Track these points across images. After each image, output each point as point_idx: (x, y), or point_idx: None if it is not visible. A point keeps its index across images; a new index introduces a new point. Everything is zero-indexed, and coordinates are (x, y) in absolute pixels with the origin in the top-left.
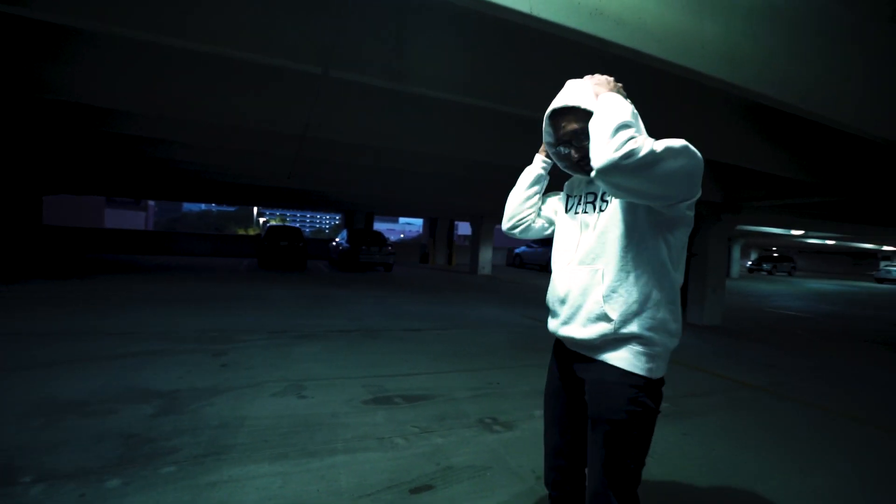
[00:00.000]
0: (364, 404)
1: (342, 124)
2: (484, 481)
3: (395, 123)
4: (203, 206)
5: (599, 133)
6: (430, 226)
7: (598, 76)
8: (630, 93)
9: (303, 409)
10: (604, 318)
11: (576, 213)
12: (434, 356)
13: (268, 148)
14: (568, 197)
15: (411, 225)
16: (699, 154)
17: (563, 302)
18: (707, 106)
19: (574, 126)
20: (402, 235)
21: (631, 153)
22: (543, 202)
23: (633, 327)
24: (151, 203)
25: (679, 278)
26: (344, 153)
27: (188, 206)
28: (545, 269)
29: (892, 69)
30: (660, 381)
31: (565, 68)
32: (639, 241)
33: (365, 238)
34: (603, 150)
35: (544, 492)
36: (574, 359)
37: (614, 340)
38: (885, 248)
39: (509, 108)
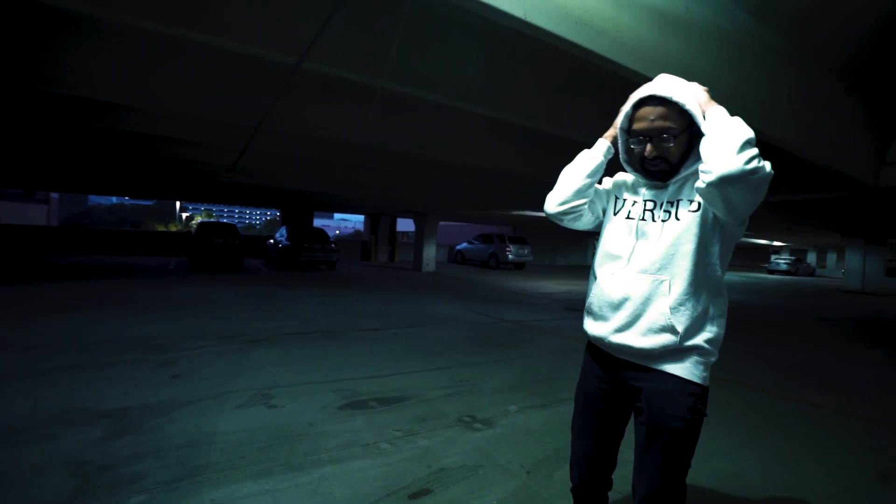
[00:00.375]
0: (340, 410)
1: (291, 115)
2: (478, 480)
3: (337, 116)
4: (115, 200)
5: (727, 142)
6: (371, 222)
7: (696, 84)
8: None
9: (276, 420)
10: (670, 329)
11: (629, 217)
12: (398, 356)
13: (211, 138)
14: (617, 198)
15: (347, 221)
16: None
17: (616, 308)
18: None
19: (664, 124)
20: (337, 231)
21: (757, 170)
22: (597, 194)
23: (696, 340)
24: (55, 195)
25: (725, 293)
26: (291, 145)
27: (95, 199)
28: (485, 266)
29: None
30: (708, 388)
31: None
32: (706, 257)
33: (307, 235)
34: (732, 160)
35: (538, 487)
36: (623, 367)
37: (675, 351)
38: (776, 243)
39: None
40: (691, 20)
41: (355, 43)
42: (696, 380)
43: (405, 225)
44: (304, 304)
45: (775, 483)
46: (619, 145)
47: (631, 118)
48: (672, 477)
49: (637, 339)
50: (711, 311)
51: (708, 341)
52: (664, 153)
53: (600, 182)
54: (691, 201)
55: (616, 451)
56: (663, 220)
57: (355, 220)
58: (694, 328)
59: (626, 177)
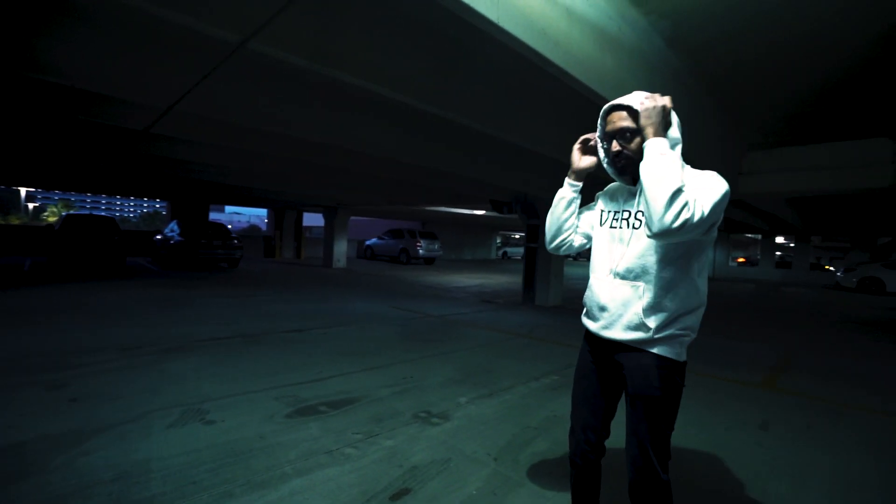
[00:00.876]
0: (289, 419)
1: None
2: (451, 473)
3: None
4: None
5: (655, 197)
6: (276, 216)
7: (657, 95)
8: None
9: (219, 437)
10: (642, 327)
11: (611, 227)
12: (333, 357)
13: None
14: (602, 211)
15: (240, 215)
16: (726, 182)
17: (603, 309)
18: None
19: (624, 124)
20: (230, 226)
21: (686, 222)
22: (579, 219)
23: (667, 331)
24: None
25: (703, 286)
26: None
27: None
28: (396, 261)
29: (691, 109)
30: (685, 363)
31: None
32: (676, 265)
33: (204, 230)
34: (660, 218)
35: (508, 471)
36: (612, 349)
37: (650, 341)
38: None
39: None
40: (621, 40)
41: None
42: (669, 356)
43: (310, 220)
44: (213, 308)
45: (688, 439)
46: (600, 153)
47: (604, 126)
48: (655, 439)
49: (619, 333)
50: (686, 307)
51: (682, 329)
52: (625, 148)
53: (590, 201)
54: None
55: (609, 422)
56: (635, 228)
57: (249, 214)
58: (665, 324)
59: (607, 192)
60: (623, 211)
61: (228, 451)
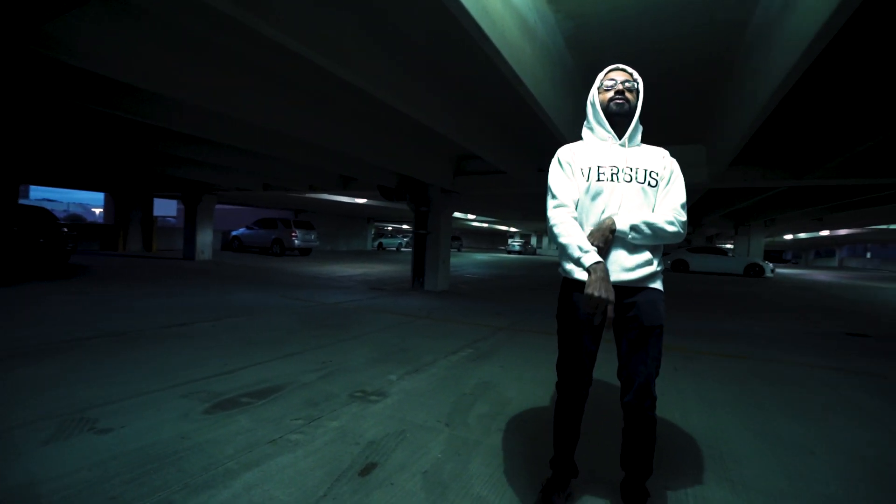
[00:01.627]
0: (209, 414)
1: None
2: (410, 443)
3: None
4: None
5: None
6: (116, 203)
7: None
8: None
9: (126, 444)
10: (649, 263)
11: (599, 180)
12: (235, 348)
13: None
14: (583, 169)
15: (55, 201)
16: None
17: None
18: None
19: (629, 78)
20: None
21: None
22: (572, 182)
23: (660, 267)
24: None
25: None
26: None
27: None
28: (267, 252)
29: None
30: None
31: None
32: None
33: (17, 218)
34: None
35: (463, 433)
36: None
37: (653, 275)
38: (512, 229)
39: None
40: (536, 33)
41: None
42: (662, 288)
43: (160, 208)
44: (58, 306)
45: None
46: (589, 105)
47: (605, 80)
48: (659, 364)
49: (632, 274)
50: (661, 248)
51: (661, 266)
52: (627, 93)
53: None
54: (650, 171)
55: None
56: (627, 182)
57: (68, 201)
58: (659, 261)
59: (578, 149)
60: (611, 167)
61: (146, 458)
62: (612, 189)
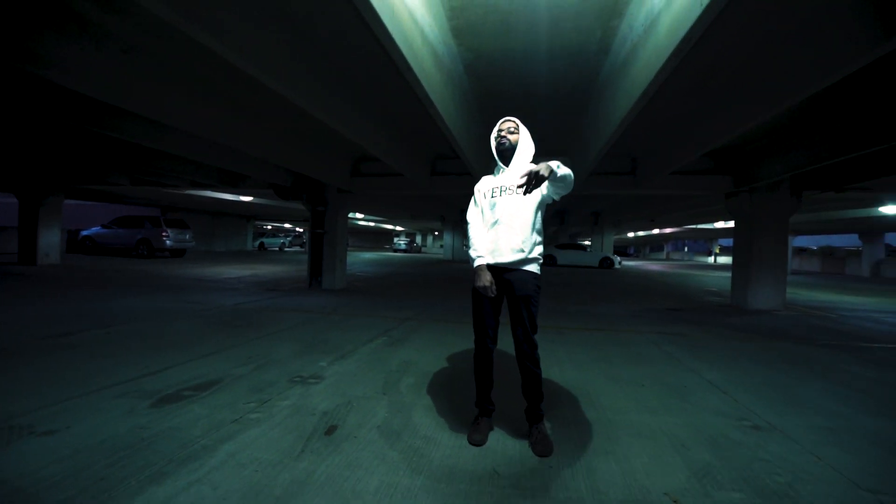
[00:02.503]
0: (157, 408)
1: None
2: (359, 409)
3: None
4: None
5: (571, 178)
6: None
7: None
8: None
9: (84, 439)
10: (521, 251)
11: (493, 196)
12: (142, 354)
13: None
14: (483, 192)
15: None
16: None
17: (498, 247)
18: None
19: (511, 126)
20: None
21: (566, 176)
22: (479, 207)
23: (532, 254)
24: None
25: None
26: None
27: None
28: (130, 254)
29: (476, 126)
30: (541, 276)
31: None
32: (534, 215)
33: None
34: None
35: (400, 399)
36: (502, 272)
37: (525, 260)
38: (398, 228)
39: None
40: (443, 61)
41: None
42: (536, 271)
43: None
44: None
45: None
46: (493, 144)
47: (498, 126)
48: (533, 321)
49: (509, 257)
50: (537, 241)
51: (539, 254)
52: (509, 137)
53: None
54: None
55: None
56: (508, 194)
57: None
58: (531, 249)
59: (482, 182)
60: (499, 186)
61: (113, 448)
62: (497, 201)
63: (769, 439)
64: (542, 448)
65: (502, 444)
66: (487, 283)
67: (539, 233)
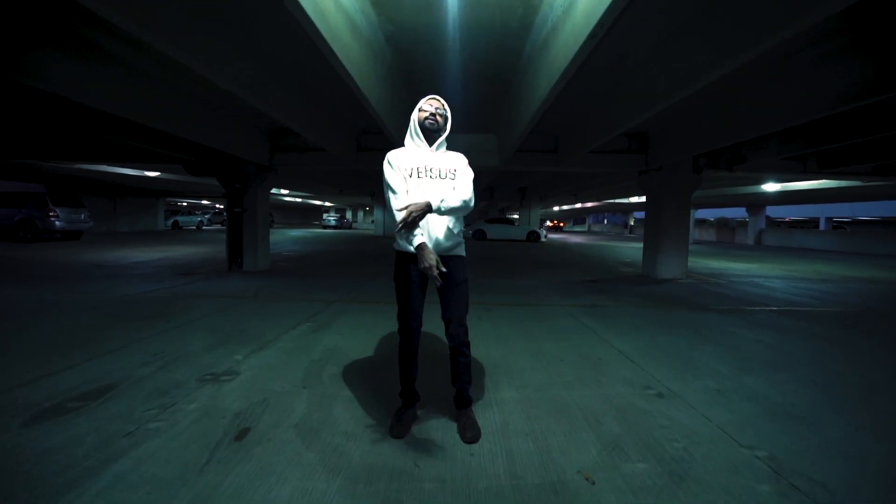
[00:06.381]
0: (31, 427)
1: None
2: (276, 408)
3: None
4: None
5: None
6: None
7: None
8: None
9: None
10: (455, 237)
11: (419, 177)
12: (20, 356)
13: None
14: (406, 169)
15: None
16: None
17: (433, 233)
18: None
19: (441, 105)
20: None
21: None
22: (399, 178)
23: (461, 240)
24: None
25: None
26: None
27: None
28: (11, 238)
29: (398, 98)
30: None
31: None
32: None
33: None
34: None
35: (321, 392)
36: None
37: (457, 245)
38: (327, 204)
39: None
40: (362, 31)
41: None
42: (464, 254)
43: None
44: None
45: None
46: (412, 121)
47: (421, 104)
48: (467, 305)
49: (445, 244)
50: (462, 226)
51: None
52: (438, 117)
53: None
54: (450, 170)
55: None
56: (441, 179)
57: None
58: (460, 235)
59: (400, 155)
60: (425, 167)
61: None
62: (425, 184)
63: (670, 405)
64: (472, 434)
65: (425, 433)
66: (434, 262)
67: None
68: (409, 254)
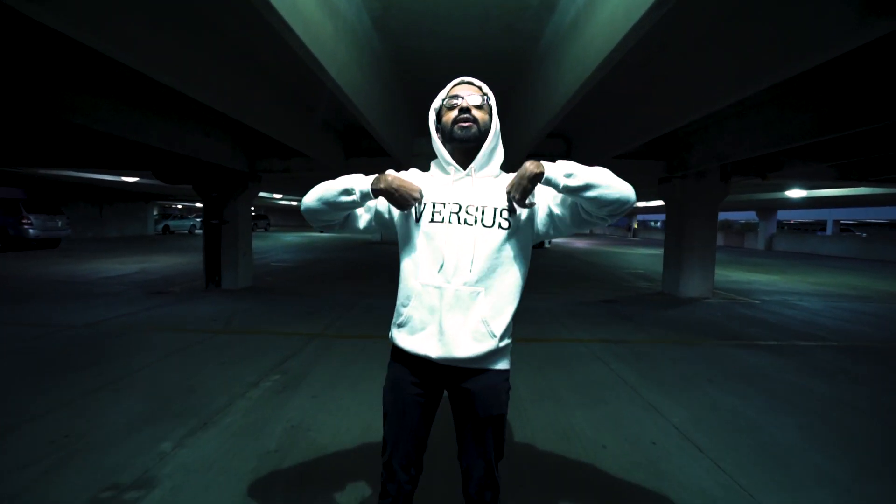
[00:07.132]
0: None
1: None
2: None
3: None
4: None
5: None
6: None
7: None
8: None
9: None
10: (488, 336)
11: (434, 221)
12: None
13: None
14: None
15: None
16: None
17: (441, 324)
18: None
19: (477, 94)
20: None
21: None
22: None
23: (507, 339)
24: None
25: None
26: None
27: None
28: None
29: (384, 84)
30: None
31: None
32: (517, 262)
33: None
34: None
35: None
36: (450, 375)
37: (495, 352)
38: None
39: None
40: (340, 9)
41: None
42: (508, 366)
43: None
44: None
45: None
46: (431, 127)
47: (445, 97)
48: (501, 450)
49: (464, 349)
50: (514, 312)
51: (511, 336)
52: (474, 113)
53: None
54: (500, 210)
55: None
56: (485, 226)
57: None
58: (506, 331)
59: (420, 178)
60: (454, 203)
61: None
62: (455, 234)
63: None
64: None
65: None
66: (405, 189)
67: (518, 300)
68: (406, 354)
